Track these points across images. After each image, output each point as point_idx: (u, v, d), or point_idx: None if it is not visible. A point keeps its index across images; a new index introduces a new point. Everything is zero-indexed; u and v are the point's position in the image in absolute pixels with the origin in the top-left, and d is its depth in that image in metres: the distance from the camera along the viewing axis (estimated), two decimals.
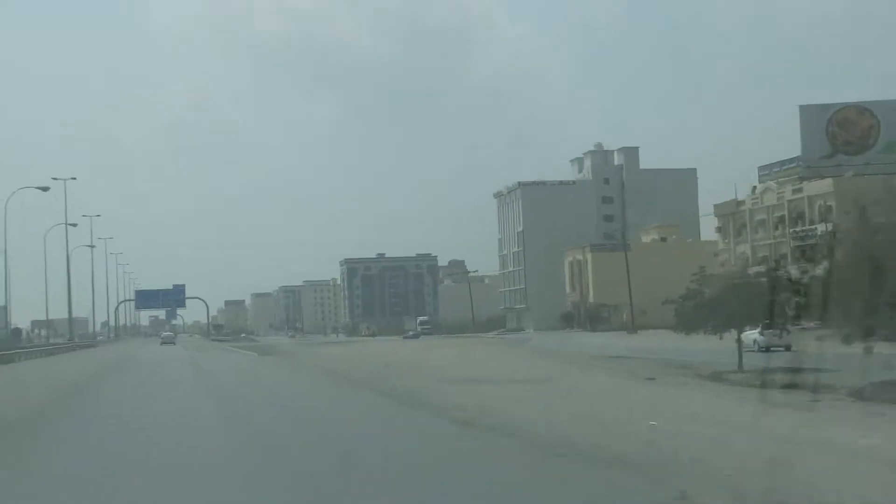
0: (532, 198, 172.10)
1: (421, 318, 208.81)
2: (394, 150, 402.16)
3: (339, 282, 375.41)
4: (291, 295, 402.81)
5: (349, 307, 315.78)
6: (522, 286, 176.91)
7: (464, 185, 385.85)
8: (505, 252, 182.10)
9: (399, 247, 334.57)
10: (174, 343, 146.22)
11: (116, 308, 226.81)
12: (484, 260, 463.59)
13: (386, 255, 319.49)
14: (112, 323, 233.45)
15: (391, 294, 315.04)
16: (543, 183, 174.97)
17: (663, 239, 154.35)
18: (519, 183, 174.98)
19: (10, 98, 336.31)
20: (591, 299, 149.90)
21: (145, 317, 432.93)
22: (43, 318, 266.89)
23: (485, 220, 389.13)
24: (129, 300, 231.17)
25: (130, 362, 63.11)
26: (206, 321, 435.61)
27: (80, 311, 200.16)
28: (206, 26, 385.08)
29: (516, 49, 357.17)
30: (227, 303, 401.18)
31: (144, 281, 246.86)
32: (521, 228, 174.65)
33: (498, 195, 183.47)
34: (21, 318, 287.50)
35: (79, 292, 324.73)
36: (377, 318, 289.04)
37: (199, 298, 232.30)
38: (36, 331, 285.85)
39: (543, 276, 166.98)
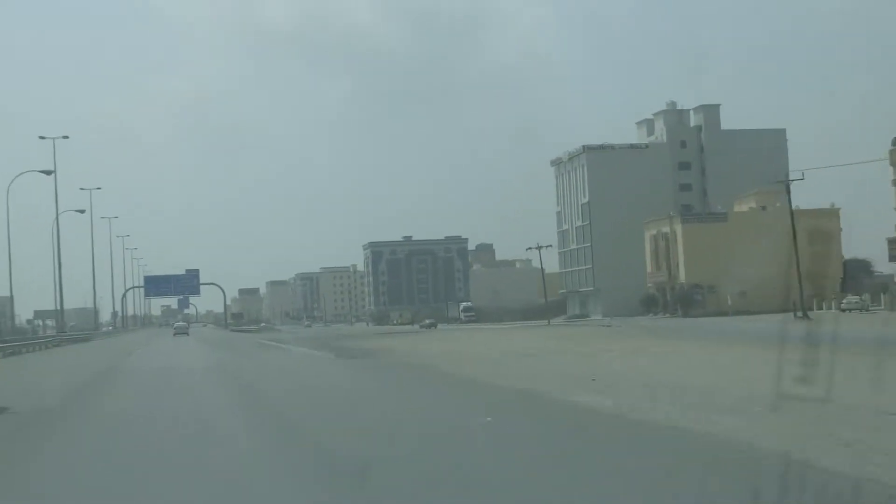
0: (599, 164, 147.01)
1: (465, 304, 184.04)
2: (414, 131, 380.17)
3: (359, 268, 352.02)
4: (309, 282, 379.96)
5: (374, 294, 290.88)
6: (587, 266, 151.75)
7: (495, 164, 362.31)
8: (565, 227, 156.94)
9: (425, 230, 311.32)
10: (187, 333, 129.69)
11: (124, 295, 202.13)
12: (514, 243, 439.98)
13: (413, 238, 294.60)
14: (123, 312, 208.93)
15: (419, 280, 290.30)
16: (612, 147, 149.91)
17: (763, 208, 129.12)
18: (584, 147, 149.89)
19: (20, 84, 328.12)
20: (681, 279, 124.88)
21: (157, 306, 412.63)
22: (51, 308, 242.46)
23: (515, 201, 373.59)
24: (138, 287, 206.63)
25: (112, 378, 35.02)
26: (219, 311, 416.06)
27: (88, 301, 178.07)
28: (217, 12, 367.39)
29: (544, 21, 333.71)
30: (242, 291, 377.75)
31: (155, 270, 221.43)
32: (585, 199, 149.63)
33: (557, 163, 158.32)
34: (26, 309, 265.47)
35: (85, 281, 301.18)
36: (404, 306, 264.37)
37: (215, 284, 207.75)
38: (38, 321, 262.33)
39: (614, 253, 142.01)
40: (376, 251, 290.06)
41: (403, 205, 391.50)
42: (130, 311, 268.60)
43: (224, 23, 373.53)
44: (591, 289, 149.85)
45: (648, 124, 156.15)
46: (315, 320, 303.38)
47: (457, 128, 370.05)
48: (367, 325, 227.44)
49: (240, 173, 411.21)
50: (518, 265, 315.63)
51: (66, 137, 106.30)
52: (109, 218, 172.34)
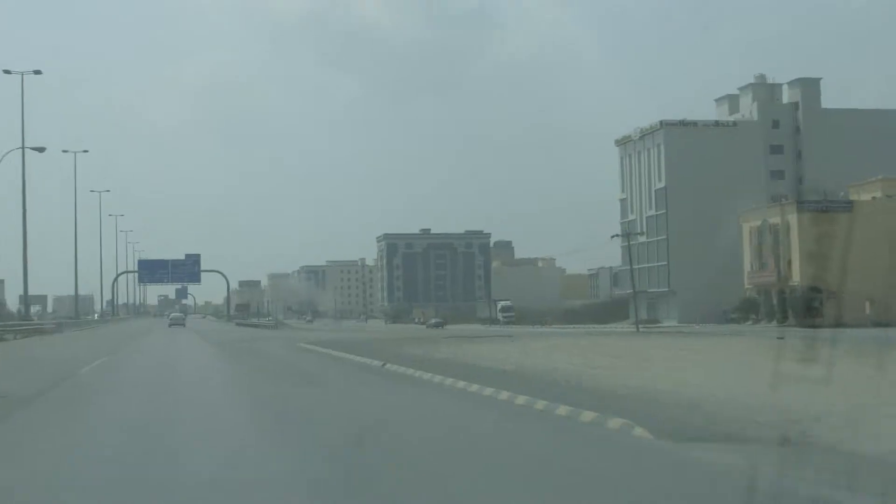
0: (679, 143, 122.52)
1: (503, 302, 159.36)
2: (426, 125, 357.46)
3: (368, 262, 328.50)
4: (314, 276, 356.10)
5: (387, 289, 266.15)
6: (659, 263, 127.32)
7: (514, 159, 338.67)
8: (632, 217, 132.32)
9: (440, 225, 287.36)
10: (183, 325, 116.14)
11: (115, 281, 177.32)
12: (534, 241, 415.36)
13: (431, 231, 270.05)
14: (113, 300, 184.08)
15: (436, 276, 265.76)
16: (694, 123, 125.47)
17: (889, 196, 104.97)
18: (661, 122, 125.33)
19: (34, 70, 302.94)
20: (795, 280, 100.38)
21: (154, 296, 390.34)
22: (42, 293, 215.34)
23: (536, 195, 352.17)
24: (131, 272, 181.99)
25: None
26: (218, 302, 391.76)
27: (82, 287, 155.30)
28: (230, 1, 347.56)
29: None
30: (242, 283, 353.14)
31: (152, 257, 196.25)
32: (661, 184, 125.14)
33: (623, 142, 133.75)
34: (12, 293, 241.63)
35: (82, 266, 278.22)
36: (419, 303, 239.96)
37: (218, 272, 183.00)
38: (20, 307, 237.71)
39: (694, 248, 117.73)
40: (391, 244, 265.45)
41: (415, 198, 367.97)
42: (125, 300, 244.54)
43: (237, 12, 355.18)
44: (665, 290, 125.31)
45: (731, 101, 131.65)
46: (319, 315, 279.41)
47: (471, 122, 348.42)
48: (386, 323, 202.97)
49: (244, 164, 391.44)
50: (540, 264, 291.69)
51: (37, 72, 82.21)
52: (100, 192, 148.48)
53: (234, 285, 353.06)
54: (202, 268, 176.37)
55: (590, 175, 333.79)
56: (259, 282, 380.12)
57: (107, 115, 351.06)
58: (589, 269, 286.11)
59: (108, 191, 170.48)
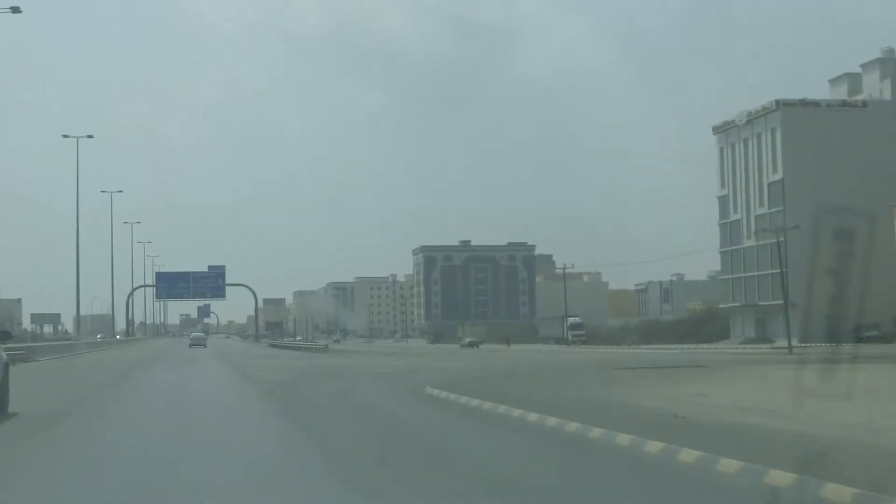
0: (798, 127, 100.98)
1: (573, 318, 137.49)
2: (452, 139, 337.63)
3: (399, 278, 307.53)
4: (342, 292, 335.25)
5: (425, 306, 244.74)
6: (771, 270, 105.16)
7: (548, 171, 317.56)
8: (736, 216, 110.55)
9: (479, 237, 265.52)
10: (204, 345, 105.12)
11: (130, 296, 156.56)
12: (573, 255, 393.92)
13: (472, 243, 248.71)
14: (127, 317, 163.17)
15: (477, 291, 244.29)
16: (816, 104, 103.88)
17: None
18: (777, 102, 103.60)
19: (49, 88, 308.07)
20: None
21: (175, 315, 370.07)
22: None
23: (574, 209, 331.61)
24: (148, 286, 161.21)
25: None
26: (241, 321, 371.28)
27: (101, 306, 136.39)
28: (247, 16, 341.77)
29: None
30: (266, 301, 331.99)
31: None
32: (776, 176, 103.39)
33: (724, 129, 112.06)
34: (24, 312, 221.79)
35: (97, 283, 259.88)
36: (459, 320, 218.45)
37: (244, 286, 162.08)
38: (33, 326, 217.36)
39: (819, 253, 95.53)
40: (429, 257, 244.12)
41: (448, 213, 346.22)
42: (148, 319, 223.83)
43: (260, 29, 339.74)
44: (779, 302, 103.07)
45: (852, 80, 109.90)
46: (348, 334, 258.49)
47: (501, 135, 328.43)
48: (428, 342, 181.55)
49: (265, 180, 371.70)
50: (585, 278, 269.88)
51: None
52: (111, 192, 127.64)
53: (259, 303, 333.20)
54: (228, 281, 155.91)
55: (633, 189, 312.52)
56: (283, 299, 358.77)
57: (123, 129, 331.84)
58: (636, 284, 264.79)
59: (120, 191, 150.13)
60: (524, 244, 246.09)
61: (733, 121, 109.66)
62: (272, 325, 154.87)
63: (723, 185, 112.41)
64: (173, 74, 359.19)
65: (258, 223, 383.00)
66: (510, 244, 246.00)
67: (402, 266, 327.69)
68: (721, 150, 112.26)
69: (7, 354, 21.71)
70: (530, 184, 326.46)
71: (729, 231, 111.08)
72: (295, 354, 65.52)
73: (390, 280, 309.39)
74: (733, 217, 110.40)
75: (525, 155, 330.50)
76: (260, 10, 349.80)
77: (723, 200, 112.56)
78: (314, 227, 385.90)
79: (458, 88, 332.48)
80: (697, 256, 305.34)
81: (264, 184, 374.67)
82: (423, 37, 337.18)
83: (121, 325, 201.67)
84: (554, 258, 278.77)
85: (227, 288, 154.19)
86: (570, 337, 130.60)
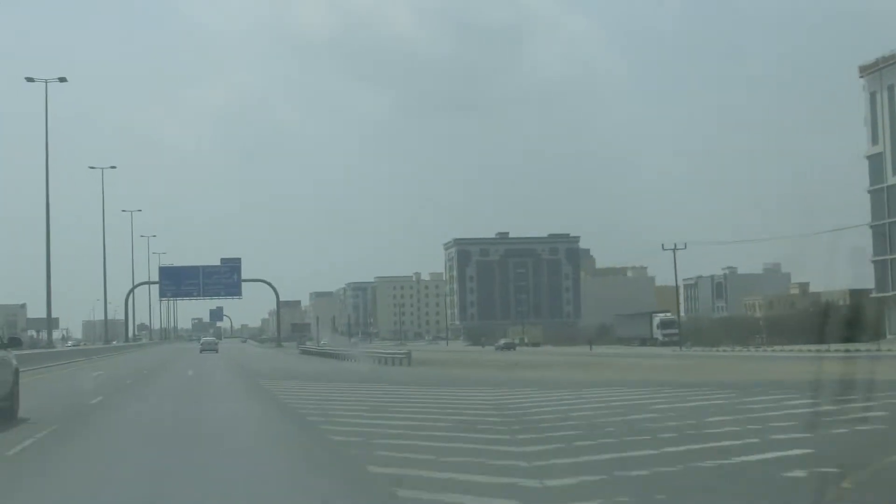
0: None
1: (663, 315, 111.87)
2: (466, 139, 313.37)
3: (423, 277, 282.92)
4: (362, 293, 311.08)
5: (459, 304, 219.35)
6: None
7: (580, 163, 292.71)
8: (893, 181, 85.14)
9: (520, 228, 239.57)
10: (216, 350, 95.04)
11: (130, 293, 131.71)
12: (613, 249, 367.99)
13: (510, 236, 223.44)
14: (126, 320, 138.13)
15: (517, 288, 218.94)
16: None
17: None
18: None
19: (59, 94, 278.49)
20: None
21: (187, 318, 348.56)
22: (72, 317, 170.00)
23: (609, 203, 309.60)
24: (151, 283, 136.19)
25: None
26: (255, 325, 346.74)
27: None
28: (254, 21, 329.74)
29: None
30: (281, 304, 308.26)
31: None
32: None
33: (874, 68, 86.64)
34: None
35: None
36: (497, 321, 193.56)
37: (263, 281, 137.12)
38: (30, 332, 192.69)
39: None
40: (463, 251, 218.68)
41: (471, 208, 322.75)
42: (156, 323, 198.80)
43: (271, 33, 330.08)
44: None
45: None
46: (371, 337, 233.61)
47: (516, 136, 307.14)
48: (485, 347, 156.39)
49: (277, 184, 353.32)
50: (630, 273, 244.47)
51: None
52: (102, 168, 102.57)
53: (272, 306, 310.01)
54: (243, 276, 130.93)
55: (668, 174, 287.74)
56: (299, 301, 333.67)
57: (132, 136, 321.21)
58: (685, 279, 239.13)
59: (114, 167, 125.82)
60: (566, 236, 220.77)
61: (888, 57, 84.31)
62: (298, 327, 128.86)
63: (874, 141, 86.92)
64: (178, 79, 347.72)
65: (269, 226, 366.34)
66: (551, 236, 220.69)
67: (426, 264, 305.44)
68: (871, 95, 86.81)
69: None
70: (564, 174, 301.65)
71: (886, 199, 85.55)
72: (367, 371, 40.33)
73: (414, 279, 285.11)
74: (891, 181, 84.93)
75: (553, 148, 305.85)
76: (267, 14, 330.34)
77: (875, 160, 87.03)
78: (329, 228, 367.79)
79: (474, 88, 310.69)
80: (754, 246, 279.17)
81: (275, 185, 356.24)
82: (432, 34, 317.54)
83: (131, 330, 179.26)
84: (591, 252, 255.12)
85: (243, 284, 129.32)
86: (660, 337, 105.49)
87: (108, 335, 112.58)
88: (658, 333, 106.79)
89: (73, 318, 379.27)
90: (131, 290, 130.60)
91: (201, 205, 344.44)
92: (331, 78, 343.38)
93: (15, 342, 22.18)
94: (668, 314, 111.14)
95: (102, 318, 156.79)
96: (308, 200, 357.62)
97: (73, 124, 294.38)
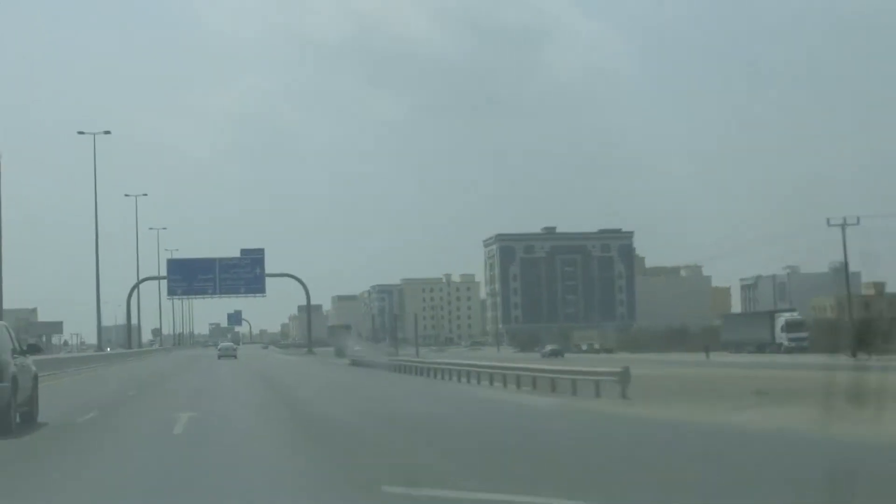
0: None
1: (789, 315, 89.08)
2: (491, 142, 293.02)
3: (454, 279, 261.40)
4: (387, 296, 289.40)
5: (502, 306, 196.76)
6: None
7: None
8: None
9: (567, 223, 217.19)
10: (235, 356, 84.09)
11: (133, 291, 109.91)
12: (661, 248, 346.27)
13: (557, 230, 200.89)
14: (128, 320, 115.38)
15: (564, 288, 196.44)
16: None
17: None
18: None
19: (70, 100, 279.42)
20: None
21: (204, 323, 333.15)
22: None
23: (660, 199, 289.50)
24: (159, 278, 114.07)
25: None
26: (274, 331, 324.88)
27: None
28: (269, 26, 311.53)
29: None
30: (301, 308, 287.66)
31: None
32: None
33: None
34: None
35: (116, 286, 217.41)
36: (542, 324, 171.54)
37: (291, 276, 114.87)
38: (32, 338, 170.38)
39: None
40: (506, 247, 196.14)
41: (484, 214, 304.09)
42: (166, 327, 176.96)
43: (289, 38, 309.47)
44: None
45: None
46: (402, 343, 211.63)
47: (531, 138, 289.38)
48: (515, 351, 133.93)
49: (293, 188, 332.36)
50: (683, 272, 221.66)
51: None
52: (95, 132, 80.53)
53: (292, 310, 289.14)
54: (268, 270, 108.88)
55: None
56: (321, 305, 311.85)
57: (147, 140, 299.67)
58: (742, 279, 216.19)
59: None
60: (618, 231, 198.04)
61: None
62: (338, 330, 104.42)
63: None
64: (193, 83, 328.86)
65: (286, 230, 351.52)
66: (601, 232, 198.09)
67: (456, 265, 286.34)
68: None
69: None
70: (603, 170, 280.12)
71: None
72: (552, 409, 18.39)
73: (444, 280, 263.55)
74: None
75: (584, 146, 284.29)
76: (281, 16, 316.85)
77: None
78: (347, 231, 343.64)
79: (496, 86, 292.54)
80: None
81: (291, 189, 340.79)
82: (445, 34, 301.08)
83: (146, 335, 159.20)
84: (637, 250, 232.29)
85: (267, 279, 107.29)
86: (785, 341, 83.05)
87: (101, 342, 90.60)
88: (783, 337, 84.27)
89: (88, 323, 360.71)
90: (135, 286, 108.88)
91: (216, 209, 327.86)
92: (349, 78, 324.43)
93: (34, 349, 23.06)
94: (796, 314, 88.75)
95: (124, 322, 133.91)
96: (325, 202, 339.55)
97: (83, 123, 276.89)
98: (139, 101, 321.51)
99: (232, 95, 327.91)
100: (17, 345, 19.76)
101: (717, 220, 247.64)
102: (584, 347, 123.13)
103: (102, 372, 48.61)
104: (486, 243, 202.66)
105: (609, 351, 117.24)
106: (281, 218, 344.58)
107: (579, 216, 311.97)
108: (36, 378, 20.18)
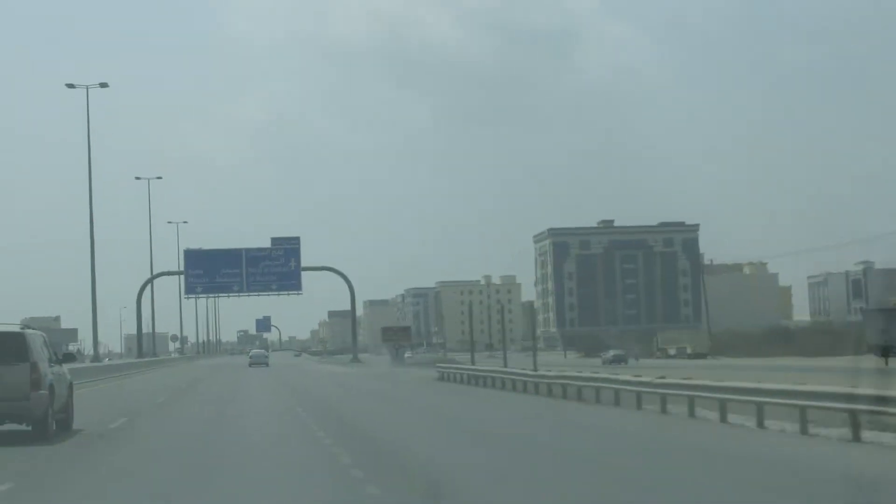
0: None
1: None
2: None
3: (493, 279, 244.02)
4: (423, 300, 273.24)
5: (556, 308, 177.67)
6: None
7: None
8: None
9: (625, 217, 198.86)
10: (266, 364, 78.12)
11: (145, 288, 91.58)
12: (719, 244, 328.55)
13: (615, 224, 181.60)
14: (138, 323, 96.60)
15: (624, 287, 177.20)
16: None
17: None
18: None
19: (93, 110, 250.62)
20: None
21: (231, 330, 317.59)
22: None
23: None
24: (177, 273, 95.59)
25: None
26: (304, 338, 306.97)
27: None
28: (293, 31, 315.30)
29: None
30: (332, 314, 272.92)
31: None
32: None
33: None
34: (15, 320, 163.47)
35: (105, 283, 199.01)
36: (601, 327, 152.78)
37: (333, 269, 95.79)
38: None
39: None
40: (559, 242, 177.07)
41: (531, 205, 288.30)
42: (191, 333, 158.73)
43: (311, 44, 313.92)
44: None
45: None
46: (436, 348, 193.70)
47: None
48: (579, 357, 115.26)
49: (319, 192, 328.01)
50: (747, 270, 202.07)
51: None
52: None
53: (322, 315, 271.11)
54: (304, 264, 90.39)
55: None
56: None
57: (172, 148, 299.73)
58: (809, 277, 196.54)
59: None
60: (681, 224, 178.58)
61: None
62: (394, 333, 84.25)
63: None
64: (218, 91, 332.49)
65: (315, 235, 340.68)
66: (662, 224, 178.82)
67: (492, 267, 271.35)
68: None
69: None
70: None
71: None
72: None
73: (483, 282, 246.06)
74: None
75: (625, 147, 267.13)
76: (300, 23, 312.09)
77: None
78: (379, 234, 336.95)
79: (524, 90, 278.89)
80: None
81: (319, 194, 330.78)
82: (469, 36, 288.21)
83: (161, 341, 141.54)
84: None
85: (302, 273, 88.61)
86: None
87: (98, 352, 72.10)
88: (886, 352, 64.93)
89: (111, 332, 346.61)
90: (148, 282, 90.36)
91: (239, 215, 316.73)
92: (374, 84, 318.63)
93: (69, 358, 24.53)
94: None
95: (148, 330, 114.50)
96: (355, 205, 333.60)
97: (114, 136, 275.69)
98: (164, 107, 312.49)
99: (256, 102, 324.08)
100: (52, 354, 20.40)
101: (777, 217, 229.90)
102: (673, 352, 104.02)
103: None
104: (537, 239, 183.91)
105: (701, 356, 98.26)
106: (307, 224, 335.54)
107: (632, 213, 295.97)
108: (71, 386, 20.96)
